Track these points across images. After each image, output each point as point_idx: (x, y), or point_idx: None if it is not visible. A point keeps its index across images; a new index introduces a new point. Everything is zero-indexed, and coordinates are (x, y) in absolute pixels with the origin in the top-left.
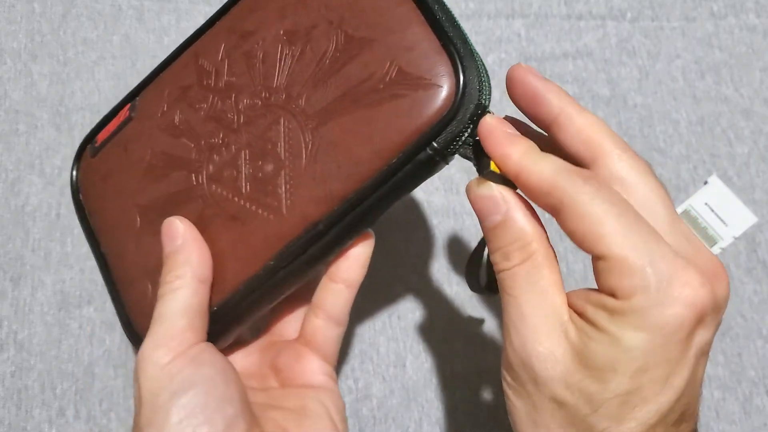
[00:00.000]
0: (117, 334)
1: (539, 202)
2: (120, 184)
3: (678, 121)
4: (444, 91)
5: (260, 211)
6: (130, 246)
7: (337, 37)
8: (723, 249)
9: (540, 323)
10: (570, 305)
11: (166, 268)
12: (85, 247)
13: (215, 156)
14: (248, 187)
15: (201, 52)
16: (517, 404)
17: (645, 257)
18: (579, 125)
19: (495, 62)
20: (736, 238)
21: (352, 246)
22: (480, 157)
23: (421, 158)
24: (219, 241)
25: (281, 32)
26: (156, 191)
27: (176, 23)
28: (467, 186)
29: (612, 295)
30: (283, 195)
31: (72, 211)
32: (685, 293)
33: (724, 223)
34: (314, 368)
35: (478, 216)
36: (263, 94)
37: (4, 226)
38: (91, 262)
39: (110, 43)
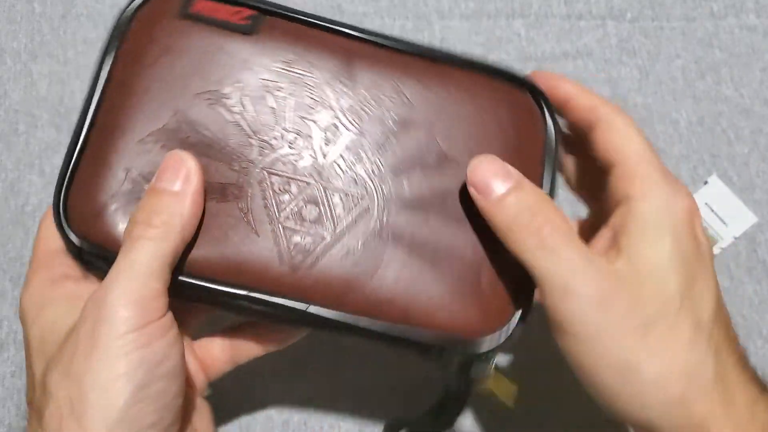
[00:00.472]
0: None
1: (580, 115)
2: (175, 74)
3: (678, 121)
4: (501, 328)
5: (277, 244)
6: (133, 135)
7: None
8: (723, 249)
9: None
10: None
11: (151, 206)
12: None
13: (287, 155)
14: (288, 214)
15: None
16: None
17: (657, 167)
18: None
19: (495, 62)
20: (736, 238)
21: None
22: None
23: (431, 349)
24: (219, 225)
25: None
26: (208, 122)
27: None
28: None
29: (626, 199)
30: (310, 256)
31: None
32: (684, 192)
33: (724, 222)
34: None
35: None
36: (373, 169)
37: (4, 225)
38: None
39: None
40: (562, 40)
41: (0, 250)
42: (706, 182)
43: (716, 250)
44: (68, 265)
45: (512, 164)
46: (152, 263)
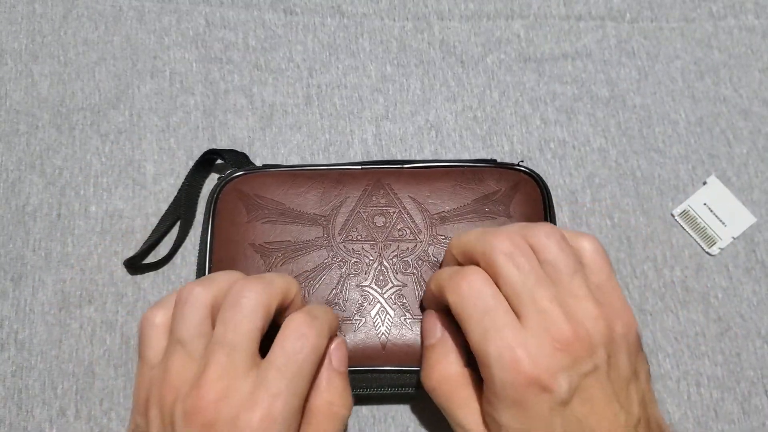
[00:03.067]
0: (117, 334)
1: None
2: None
3: (677, 121)
4: None
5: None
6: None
7: None
8: (721, 249)
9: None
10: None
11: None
12: (85, 248)
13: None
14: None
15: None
16: None
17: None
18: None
19: (495, 63)
20: (734, 238)
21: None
22: None
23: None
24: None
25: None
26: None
27: (177, 24)
28: None
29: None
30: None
31: (72, 210)
32: (509, 365)
33: (723, 223)
34: None
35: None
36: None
37: (4, 226)
38: (92, 262)
39: (111, 43)
40: (562, 41)
41: (0, 250)
42: (704, 183)
43: (715, 250)
44: None
45: (534, 215)
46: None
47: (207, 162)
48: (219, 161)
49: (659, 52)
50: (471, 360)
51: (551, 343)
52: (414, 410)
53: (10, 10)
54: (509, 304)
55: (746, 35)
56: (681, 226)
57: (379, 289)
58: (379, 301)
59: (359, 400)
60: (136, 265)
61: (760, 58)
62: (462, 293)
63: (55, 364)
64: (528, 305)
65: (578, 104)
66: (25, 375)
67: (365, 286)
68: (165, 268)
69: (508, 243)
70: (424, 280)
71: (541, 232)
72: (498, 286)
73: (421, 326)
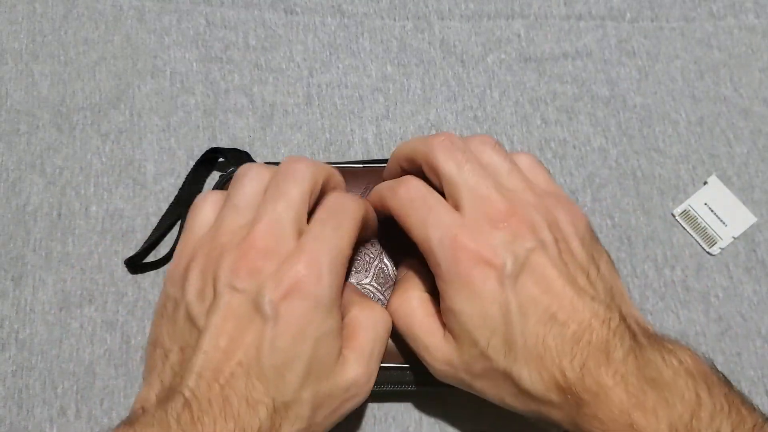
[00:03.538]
0: (118, 334)
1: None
2: None
3: (677, 121)
4: None
5: None
6: None
7: None
8: (722, 249)
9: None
10: None
11: None
12: (85, 247)
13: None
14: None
15: None
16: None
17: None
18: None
19: (495, 63)
20: (735, 238)
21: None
22: None
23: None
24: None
25: None
26: None
27: (177, 24)
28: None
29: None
30: None
31: (72, 210)
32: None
33: (724, 223)
34: None
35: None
36: None
37: (5, 225)
38: (92, 262)
39: (111, 43)
40: (562, 40)
41: (1, 250)
42: (705, 182)
43: (716, 250)
44: None
45: None
46: None
47: (208, 161)
48: (220, 160)
49: (659, 52)
50: (432, 288)
51: (489, 222)
52: (414, 410)
53: (10, 10)
54: (450, 200)
55: (746, 35)
56: (681, 225)
57: (379, 287)
58: (379, 299)
59: (393, 396)
60: (136, 264)
61: (760, 57)
62: (400, 196)
63: (56, 364)
64: (465, 194)
65: (578, 104)
66: (26, 374)
67: (365, 284)
68: (165, 267)
69: (447, 142)
70: None
71: (476, 138)
72: (440, 185)
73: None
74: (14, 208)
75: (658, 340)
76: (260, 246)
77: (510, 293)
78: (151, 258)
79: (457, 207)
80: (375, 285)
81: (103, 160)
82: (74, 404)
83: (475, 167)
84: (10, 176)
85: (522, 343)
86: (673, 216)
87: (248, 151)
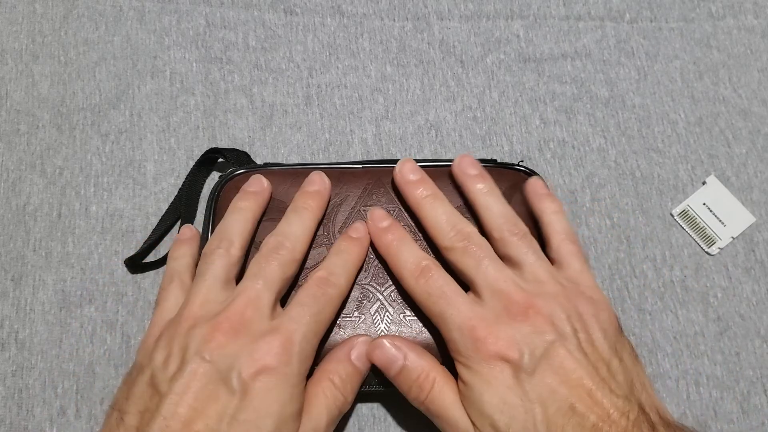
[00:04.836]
0: (118, 334)
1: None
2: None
3: (676, 121)
4: None
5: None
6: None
7: None
8: (721, 249)
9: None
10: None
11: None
12: (85, 247)
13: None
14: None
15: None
16: None
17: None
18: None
19: (494, 63)
20: (734, 238)
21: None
22: None
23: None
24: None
25: None
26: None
27: (177, 24)
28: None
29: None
30: None
31: (72, 210)
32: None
33: (722, 223)
34: None
35: (382, 369)
36: None
37: (5, 225)
38: (92, 262)
39: (111, 43)
40: (561, 41)
41: (1, 249)
42: (704, 182)
43: (714, 250)
44: None
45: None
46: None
47: (208, 161)
48: (220, 160)
49: (658, 52)
50: (446, 359)
51: (508, 314)
52: (414, 410)
53: (10, 10)
54: (471, 292)
55: (745, 35)
56: (680, 225)
57: (378, 287)
58: (378, 299)
59: (360, 397)
60: (136, 264)
61: (759, 58)
62: (421, 288)
63: (56, 364)
64: (484, 287)
65: (578, 104)
66: (26, 374)
67: (365, 284)
68: (165, 267)
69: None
70: None
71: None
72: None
73: (379, 359)
74: (14, 208)
75: (677, 430)
76: (235, 320)
77: (527, 385)
78: (151, 258)
79: (477, 295)
80: (374, 285)
81: (103, 160)
82: (74, 404)
83: (494, 262)
84: (10, 176)
85: None
86: (672, 216)
87: (248, 152)
